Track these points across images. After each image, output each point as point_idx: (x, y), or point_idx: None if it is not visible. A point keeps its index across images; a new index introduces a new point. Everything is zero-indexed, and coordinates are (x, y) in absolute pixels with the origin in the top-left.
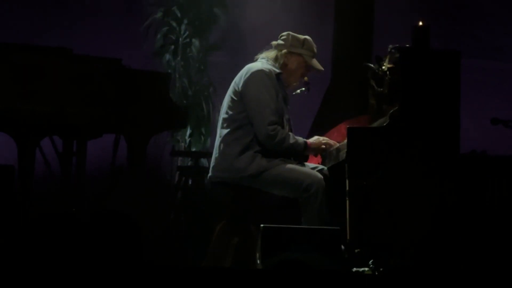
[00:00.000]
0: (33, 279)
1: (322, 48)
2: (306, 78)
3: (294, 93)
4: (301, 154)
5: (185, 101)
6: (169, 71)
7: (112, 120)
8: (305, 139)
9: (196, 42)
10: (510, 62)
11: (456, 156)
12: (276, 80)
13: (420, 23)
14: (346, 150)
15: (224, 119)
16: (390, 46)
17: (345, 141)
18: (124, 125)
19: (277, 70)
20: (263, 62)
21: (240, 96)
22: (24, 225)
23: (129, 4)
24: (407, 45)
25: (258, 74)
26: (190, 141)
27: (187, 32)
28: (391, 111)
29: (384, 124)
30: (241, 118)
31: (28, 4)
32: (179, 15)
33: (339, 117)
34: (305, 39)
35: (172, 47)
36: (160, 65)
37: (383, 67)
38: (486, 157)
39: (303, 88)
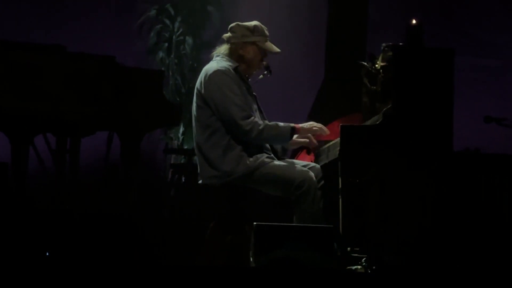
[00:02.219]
0: (30, 278)
1: (316, 46)
2: (265, 63)
3: (257, 79)
4: (287, 141)
5: (178, 99)
6: (163, 68)
7: (106, 118)
8: (293, 124)
9: (189, 40)
10: (503, 59)
11: (449, 154)
12: (236, 75)
13: (414, 21)
14: (339, 148)
15: (197, 126)
16: (384, 44)
17: (338, 138)
18: (117, 122)
19: (233, 65)
20: (217, 60)
21: (205, 101)
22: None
23: (123, 2)
24: (401, 43)
25: (216, 75)
26: (183, 138)
27: (181, 30)
28: (384, 109)
29: (377, 122)
30: (213, 122)
31: (22, 2)
32: (172, 13)
33: (332, 115)
34: (254, 25)
35: (166, 44)
36: (153, 63)
37: (377, 65)
38: (480, 155)
39: (265, 72)
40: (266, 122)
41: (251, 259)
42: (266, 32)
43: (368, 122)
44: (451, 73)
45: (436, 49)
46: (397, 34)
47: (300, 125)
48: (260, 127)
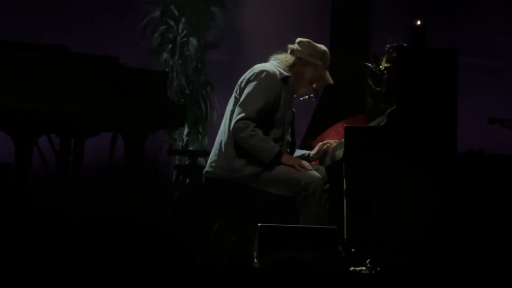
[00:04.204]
0: (31, 278)
1: None
2: (314, 85)
3: (301, 99)
4: (270, 157)
5: (182, 100)
6: (167, 69)
7: (109, 119)
8: (280, 150)
9: (193, 40)
10: (507, 60)
11: (453, 155)
12: (282, 83)
13: (418, 22)
14: (343, 149)
15: (229, 117)
16: (388, 45)
17: (343, 140)
18: (121, 123)
19: (286, 74)
20: (272, 63)
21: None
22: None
23: (127, 2)
24: (405, 44)
25: (262, 73)
26: (187, 140)
27: (185, 31)
28: (389, 110)
29: (382, 123)
30: None
31: (26, 3)
32: (176, 13)
33: (336, 116)
34: (324, 51)
35: (170, 45)
36: (157, 64)
37: (381, 66)
38: (483, 156)
39: (312, 95)
40: (261, 133)
41: (255, 260)
42: (329, 62)
43: (373, 123)
44: (455, 73)
45: (440, 50)
46: (401, 35)
47: (286, 154)
48: (253, 132)
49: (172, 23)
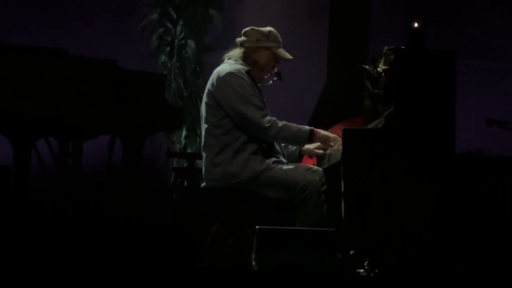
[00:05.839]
0: (31, 280)
1: (318, 49)
2: (276, 69)
3: (267, 85)
4: (305, 141)
5: (180, 102)
6: (165, 72)
7: (107, 121)
8: (311, 127)
9: (191, 43)
10: (506, 62)
11: (451, 156)
12: (249, 78)
13: (416, 24)
14: (341, 151)
15: (207, 128)
16: (386, 47)
17: (341, 142)
18: (119, 126)
19: (245, 68)
20: (230, 63)
21: (217, 103)
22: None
23: (125, 5)
24: (403, 47)
25: (230, 76)
26: (185, 142)
27: (183, 33)
28: (386, 112)
29: (380, 126)
30: (224, 124)
31: (24, 5)
32: (174, 16)
33: (334, 118)
34: (269, 31)
35: (168, 48)
36: (155, 66)
37: (379, 69)
38: (482, 158)
39: (275, 78)
40: (283, 122)
41: (253, 263)
42: (280, 39)
43: (370, 126)
44: (453, 75)
45: (438, 52)
46: (399, 37)
47: (317, 129)
48: (280, 125)
49: (170, 25)
